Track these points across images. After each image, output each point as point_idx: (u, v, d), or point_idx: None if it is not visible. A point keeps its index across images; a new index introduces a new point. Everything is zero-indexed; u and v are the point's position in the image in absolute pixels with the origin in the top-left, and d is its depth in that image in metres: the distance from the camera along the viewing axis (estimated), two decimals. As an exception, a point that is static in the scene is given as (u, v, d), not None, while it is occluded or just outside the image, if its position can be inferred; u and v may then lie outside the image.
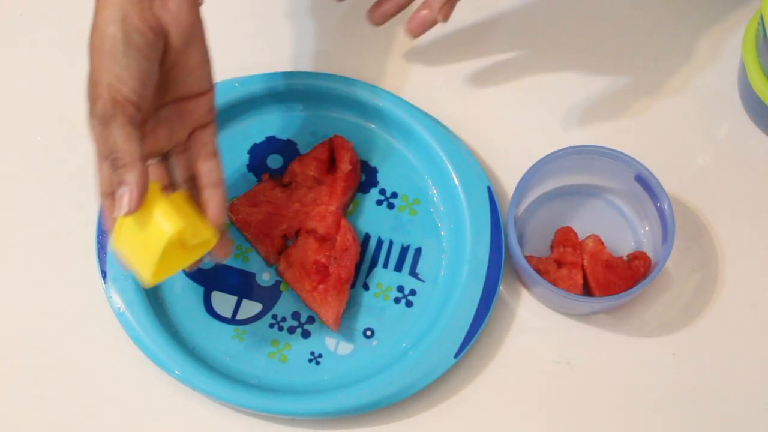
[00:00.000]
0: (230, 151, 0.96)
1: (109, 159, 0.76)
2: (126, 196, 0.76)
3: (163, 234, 0.77)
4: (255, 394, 0.88)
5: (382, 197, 0.95)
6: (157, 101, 0.81)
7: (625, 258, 0.92)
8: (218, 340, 0.91)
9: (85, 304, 0.92)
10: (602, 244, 0.91)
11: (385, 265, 0.93)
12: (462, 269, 0.91)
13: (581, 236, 0.92)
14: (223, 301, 0.92)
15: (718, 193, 0.96)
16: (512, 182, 0.91)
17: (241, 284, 0.93)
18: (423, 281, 0.93)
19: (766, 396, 0.91)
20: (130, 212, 0.76)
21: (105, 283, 0.90)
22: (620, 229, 0.94)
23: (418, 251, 0.94)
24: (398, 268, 0.93)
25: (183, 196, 0.81)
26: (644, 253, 0.91)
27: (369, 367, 0.90)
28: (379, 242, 0.94)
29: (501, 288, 0.92)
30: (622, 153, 0.90)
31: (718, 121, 0.99)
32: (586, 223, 0.94)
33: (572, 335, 0.92)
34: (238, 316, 0.92)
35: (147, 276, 0.79)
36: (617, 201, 0.95)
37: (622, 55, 1.01)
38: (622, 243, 0.94)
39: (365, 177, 0.96)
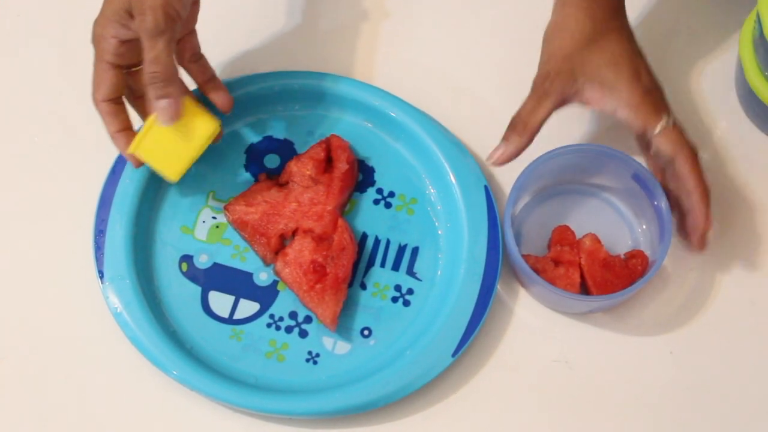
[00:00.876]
0: (227, 151, 0.96)
1: (149, 73, 0.83)
2: (172, 108, 0.85)
3: (205, 131, 0.88)
4: (252, 394, 0.88)
5: (379, 196, 0.95)
6: None
7: (622, 257, 0.92)
8: (216, 339, 0.91)
9: (83, 305, 0.92)
10: (599, 242, 0.91)
11: (383, 265, 0.93)
12: (459, 268, 0.91)
13: (578, 235, 0.92)
14: (221, 301, 0.92)
15: (716, 192, 0.96)
16: (509, 181, 0.91)
17: (238, 284, 0.93)
18: (420, 280, 0.93)
19: (762, 394, 0.91)
20: (174, 121, 0.85)
21: (102, 283, 0.90)
22: (618, 228, 0.94)
23: (416, 250, 0.94)
24: (395, 267, 0.93)
25: (192, 97, 0.90)
26: (642, 252, 0.91)
27: (366, 367, 0.90)
28: (377, 241, 0.94)
29: (498, 287, 0.92)
30: (619, 152, 0.90)
31: (715, 119, 0.99)
32: (583, 221, 0.94)
33: (570, 334, 0.92)
34: (236, 316, 0.92)
35: (176, 172, 0.89)
36: (615, 200, 0.95)
37: (619, 54, 1.01)
38: (619, 242, 0.94)
39: (362, 176, 0.96)
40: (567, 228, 0.93)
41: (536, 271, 0.89)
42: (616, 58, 0.86)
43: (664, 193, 0.89)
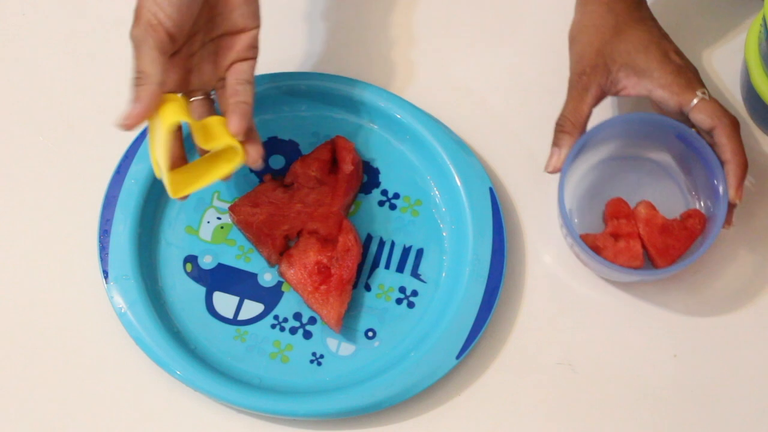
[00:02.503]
0: (232, 152, 0.96)
1: (133, 77, 0.80)
2: (132, 110, 0.80)
3: (227, 167, 0.84)
4: (256, 395, 0.88)
5: (384, 198, 0.95)
6: (204, 36, 0.85)
7: (679, 218, 0.91)
8: (220, 340, 0.91)
9: (87, 304, 0.92)
10: (654, 208, 0.91)
11: (387, 266, 0.93)
12: (464, 270, 0.91)
13: (632, 205, 0.92)
14: (225, 302, 0.92)
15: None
16: (514, 182, 0.91)
17: (242, 285, 0.93)
18: (425, 282, 0.93)
19: (766, 398, 0.91)
20: (125, 126, 0.80)
21: (107, 283, 0.90)
22: (669, 192, 0.94)
23: (420, 252, 0.94)
24: (400, 269, 0.93)
25: (219, 119, 0.84)
26: (697, 211, 0.91)
27: (370, 368, 0.90)
28: (381, 243, 0.94)
29: (503, 289, 0.92)
30: (659, 114, 0.90)
31: (720, 122, 0.99)
32: (633, 191, 0.93)
33: (574, 337, 0.92)
34: (240, 317, 0.92)
35: (178, 192, 0.83)
36: (663, 164, 0.94)
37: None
38: (673, 205, 0.93)
39: (367, 178, 0.96)
40: (620, 200, 0.92)
41: (597, 249, 0.89)
42: (645, 44, 0.88)
43: (708, 144, 0.88)
